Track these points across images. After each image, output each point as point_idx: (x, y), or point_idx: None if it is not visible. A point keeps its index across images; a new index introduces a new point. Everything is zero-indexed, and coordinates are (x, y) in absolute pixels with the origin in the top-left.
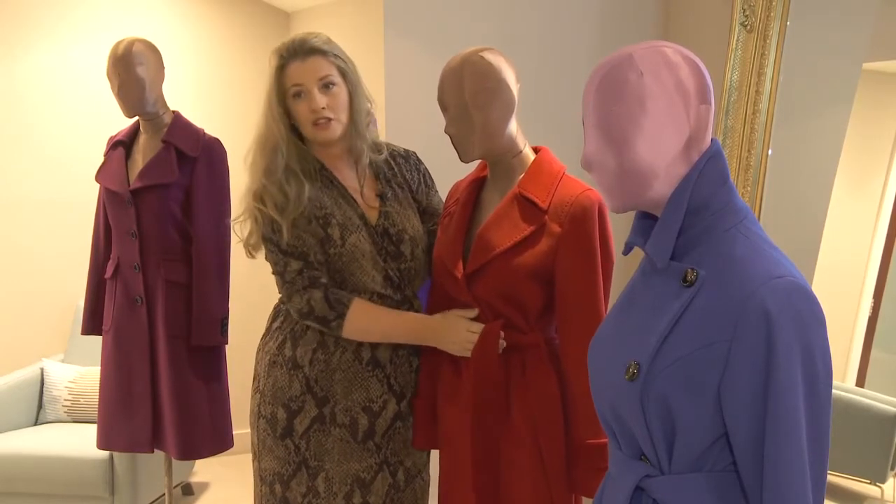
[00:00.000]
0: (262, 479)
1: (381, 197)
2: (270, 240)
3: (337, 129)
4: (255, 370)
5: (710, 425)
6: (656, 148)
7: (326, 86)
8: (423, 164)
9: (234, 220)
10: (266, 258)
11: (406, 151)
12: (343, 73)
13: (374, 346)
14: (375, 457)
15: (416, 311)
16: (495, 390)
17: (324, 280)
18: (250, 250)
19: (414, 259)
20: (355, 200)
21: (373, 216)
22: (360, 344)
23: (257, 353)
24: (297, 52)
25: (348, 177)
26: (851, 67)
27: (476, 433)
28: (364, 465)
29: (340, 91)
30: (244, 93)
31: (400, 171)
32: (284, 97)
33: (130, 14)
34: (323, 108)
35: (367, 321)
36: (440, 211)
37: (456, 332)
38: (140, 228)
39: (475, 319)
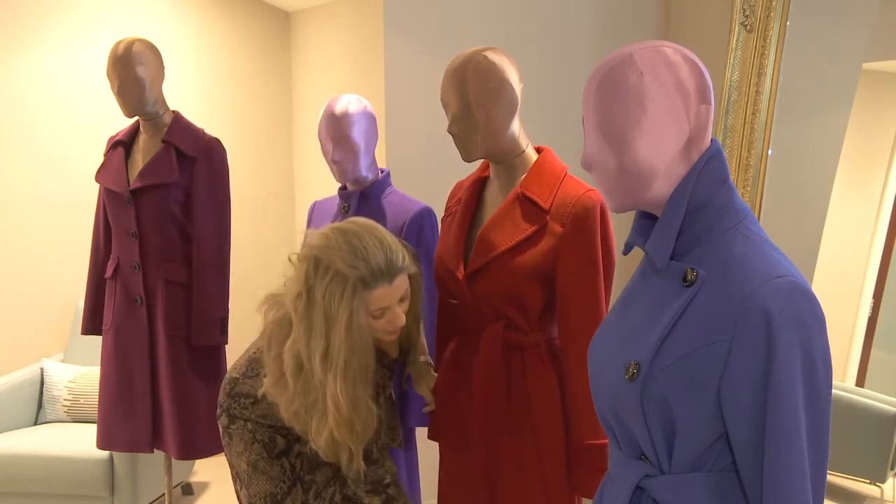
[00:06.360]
0: None
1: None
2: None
3: None
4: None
5: (710, 425)
6: (656, 148)
7: (404, 297)
8: None
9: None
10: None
11: None
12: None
13: None
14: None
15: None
16: (498, 391)
17: None
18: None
19: None
20: None
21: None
22: None
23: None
24: (384, 276)
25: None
26: (851, 67)
27: (478, 433)
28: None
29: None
30: (244, 93)
31: None
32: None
33: (130, 14)
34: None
35: None
36: None
37: None
38: (140, 228)
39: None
